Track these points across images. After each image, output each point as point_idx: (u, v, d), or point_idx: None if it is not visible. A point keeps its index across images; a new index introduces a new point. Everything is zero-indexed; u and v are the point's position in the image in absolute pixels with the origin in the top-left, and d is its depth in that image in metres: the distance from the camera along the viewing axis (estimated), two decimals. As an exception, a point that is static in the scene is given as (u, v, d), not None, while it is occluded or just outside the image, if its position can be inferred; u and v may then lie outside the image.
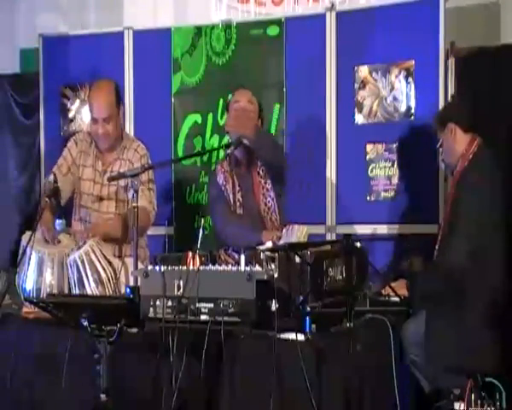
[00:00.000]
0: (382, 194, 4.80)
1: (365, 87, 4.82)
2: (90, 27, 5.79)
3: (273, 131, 4.99)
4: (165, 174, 5.09)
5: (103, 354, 3.00)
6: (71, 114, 5.54)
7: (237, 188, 4.17)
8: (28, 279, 3.63)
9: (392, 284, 3.59)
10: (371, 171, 4.81)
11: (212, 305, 2.92)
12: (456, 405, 3.29)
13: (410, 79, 4.68)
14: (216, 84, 5.15)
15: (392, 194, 4.77)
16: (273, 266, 3.06)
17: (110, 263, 3.63)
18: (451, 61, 4.63)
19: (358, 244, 3.24)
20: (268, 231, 4.00)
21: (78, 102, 5.51)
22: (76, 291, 3.57)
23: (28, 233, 3.61)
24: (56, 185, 3.78)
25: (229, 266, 3.18)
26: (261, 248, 3.23)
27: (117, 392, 3.07)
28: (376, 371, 3.15)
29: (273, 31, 5.02)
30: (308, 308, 2.99)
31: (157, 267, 3.03)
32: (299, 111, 4.96)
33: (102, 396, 3.01)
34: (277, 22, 5.02)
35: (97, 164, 4.13)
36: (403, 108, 4.74)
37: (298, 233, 3.67)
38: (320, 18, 4.90)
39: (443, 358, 3.44)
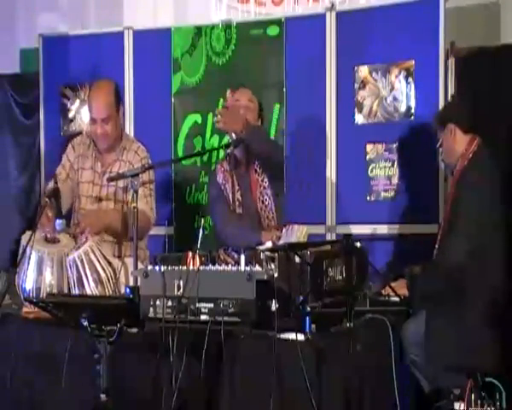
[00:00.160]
0: (382, 194, 4.80)
1: (365, 87, 4.82)
2: (90, 27, 5.79)
3: (273, 131, 5.00)
4: (165, 174, 5.10)
5: (103, 354, 3.00)
6: (71, 114, 5.54)
7: (236, 187, 4.17)
8: (28, 279, 3.63)
9: (392, 284, 3.59)
10: (371, 171, 4.81)
11: (212, 305, 2.92)
12: (456, 405, 3.29)
13: (410, 79, 4.68)
14: (216, 85, 5.14)
15: (392, 194, 4.77)
16: (273, 266, 3.06)
17: (110, 263, 3.63)
18: (451, 61, 4.63)
19: (358, 244, 3.24)
20: (267, 231, 4.00)
21: (78, 102, 5.50)
22: (75, 291, 3.57)
23: (28, 233, 3.60)
24: (56, 186, 3.78)
25: (229, 266, 3.18)
26: (261, 248, 3.23)
27: (117, 392, 3.07)
28: (376, 371, 3.15)
29: (273, 31, 5.02)
30: (308, 308, 2.99)
31: (157, 267, 3.03)
32: (299, 111, 4.96)
33: (102, 396, 3.01)
34: (277, 22, 5.02)
35: (96, 165, 4.13)
36: (403, 108, 4.74)
37: (298, 233, 3.66)
38: (320, 18, 4.90)
39: (443, 358, 3.44)
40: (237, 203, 4.16)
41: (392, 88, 4.75)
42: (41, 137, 5.59)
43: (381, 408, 3.15)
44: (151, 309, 3.00)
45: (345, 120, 4.86)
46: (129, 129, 5.19)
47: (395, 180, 4.76)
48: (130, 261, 3.62)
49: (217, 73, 5.18)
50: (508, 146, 4.54)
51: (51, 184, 3.77)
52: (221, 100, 5.01)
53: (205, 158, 5.22)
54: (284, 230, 3.79)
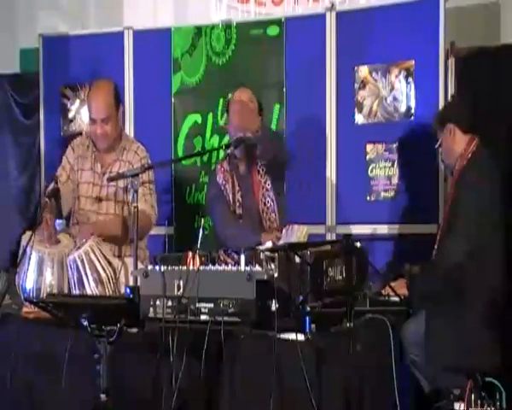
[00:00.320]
0: (382, 194, 4.80)
1: (365, 87, 4.82)
2: (90, 27, 5.79)
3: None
4: (165, 174, 5.10)
5: (103, 354, 3.00)
6: (71, 114, 5.54)
7: (237, 188, 4.17)
8: (28, 279, 3.63)
9: (392, 284, 3.59)
10: (371, 171, 4.81)
11: (212, 305, 2.92)
12: (456, 405, 3.29)
13: (410, 79, 4.68)
14: (216, 84, 5.15)
15: (392, 194, 4.77)
16: (273, 266, 3.06)
17: (110, 263, 3.63)
18: (451, 61, 4.63)
19: (358, 244, 3.24)
20: (267, 232, 4.00)
21: (78, 102, 5.50)
22: (76, 291, 3.58)
23: (28, 233, 3.61)
24: (57, 186, 3.78)
25: (229, 266, 3.18)
26: (261, 248, 3.23)
27: (117, 392, 3.07)
28: (376, 371, 3.15)
29: (273, 31, 5.02)
30: (308, 308, 2.99)
31: (157, 267, 3.03)
32: (299, 111, 4.96)
33: (102, 396, 3.01)
34: (277, 22, 5.02)
35: (96, 166, 4.12)
36: (403, 108, 4.74)
37: (298, 233, 3.67)
38: (320, 18, 4.90)
39: (443, 358, 3.44)
40: (237, 204, 4.16)
41: (392, 88, 4.75)
42: (41, 137, 5.59)
43: (381, 408, 3.15)
44: (151, 309, 3.00)
45: (345, 120, 4.86)
46: (129, 129, 5.20)
47: (395, 180, 4.76)
48: (130, 261, 3.62)
49: (217, 73, 5.18)
50: (508, 146, 4.54)
51: (52, 185, 3.77)
52: (221, 100, 5.02)
53: (205, 158, 5.22)
54: (284, 230, 3.79)
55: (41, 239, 3.69)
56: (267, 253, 3.11)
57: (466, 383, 3.27)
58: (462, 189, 3.68)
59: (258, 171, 4.15)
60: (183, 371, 2.91)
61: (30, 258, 3.62)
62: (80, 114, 5.49)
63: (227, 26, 5.14)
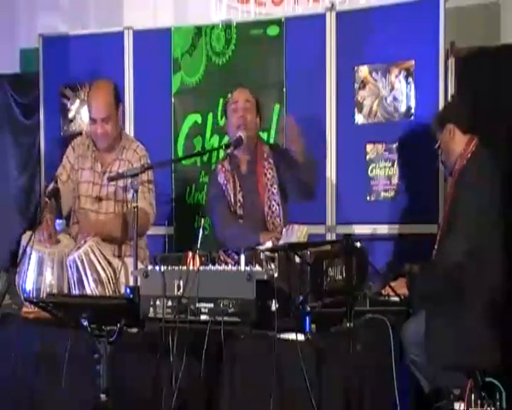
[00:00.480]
0: (382, 194, 4.79)
1: (365, 87, 4.82)
2: (90, 27, 5.78)
3: (273, 131, 5.00)
4: (165, 174, 5.09)
5: (103, 354, 3.00)
6: (71, 114, 5.53)
7: (238, 188, 4.16)
8: (28, 279, 3.63)
9: (392, 284, 3.59)
10: (371, 171, 4.81)
11: (212, 305, 2.92)
12: (456, 405, 3.29)
13: (410, 79, 4.68)
14: (216, 84, 5.14)
15: (392, 194, 4.77)
16: (273, 266, 3.06)
17: (110, 263, 3.63)
18: (451, 61, 4.63)
19: (358, 244, 3.24)
20: (266, 232, 3.99)
21: (78, 102, 5.50)
22: (76, 291, 3.58)
23: (28, 233, 3.61)
24: (57, 186, 3.79)
25: (229, 266, 3.18)
26: (261, 248, 3.23)
27: (117, 392, 3.07)
28: (376, 371, 3.15)
29: (273, 31, 5.02)
30: (308, 308, 2.99)
31: (157, 267, 3.03)
32: (299, 111, 4.94)
33: (102, 396, 3.01)
34: (277, 22, 5.02)
35: (96, 165, 4.13)
36: (403, 108, 4.73)
37: (298, 233, 3.66)
38: (320, 18, 4.90)
39: (443, 357, 3.44)
40: (238, 204, 4.14)
41: (392, 88, 4.75)
42: (41, 137, 5.59)
43: (381, 408, 3.15)
44: (151, 309, 3.00)
45: (345, 120, 4.85)
46: (129, 129, 5.19)
47: (395, 180, 4.76)
48: (130, 261, 3.62)
49: (217, 73, 5.18)
50: (508, 146, 4.54)
51: (52, 185, 3.78)
52: (221, 100, 5.02)
53: (205, 158, 5.22)
54: (284, 230, 3.79)
55: (41, 239, 3.69)
56: (267, 253, 3.11)
57: (466, 382, 3.27)
58: (462, 188, 3.68)
59: (265, 173, 4.15)
60: (183, 371, 2.91)
61: (30, 258, 3.63)
62: (80, 114, 5.49)
63: (227, 26, 5.14)
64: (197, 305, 2.93)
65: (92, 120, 4.08)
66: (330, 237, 4.81)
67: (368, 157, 4.81)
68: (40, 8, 6.09)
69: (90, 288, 3.56)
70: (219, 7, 5.47)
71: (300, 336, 2.91)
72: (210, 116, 5.18)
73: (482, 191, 3.63)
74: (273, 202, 4.12)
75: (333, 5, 4.89)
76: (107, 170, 4.09)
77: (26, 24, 6.10)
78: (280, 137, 4.96)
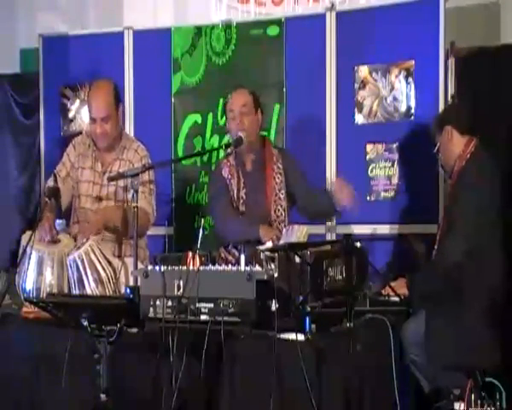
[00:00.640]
0: (382, 194, 4.80)
1: (365, 87, 4.82)
2: (90, 27, 5.79)
3: (273, 131, 4.99)
4: (165, 174, 5.09)
5: (103, 354, 3.00)
6: (71, 114, 5.53)
7: (242, 185, 4.14)
8: (28, 279, 3.63)
9: (392, 284, 3.59)
10: (371, 171, 4.81)
11: (212, 305, 2.92)
12: (456, 405, 3.29)
13: (410, 79, 4.68)
14: (216, 84, 5.14)
15: (392, 194, 4.77)
16: (273, 266, 3.06)
17: (110, 263, 3.63)
18: (451, 61, 4.63)
19: (358, 244, 3.24)
20: (265, 226, 3.98)
21: (78, 102, 5.50)
22: (76, 291, 3.58)
23: (28, 233, 3.61)
24: (56, 186, 3.79)
25: (229, 265, 3.18)
26: (261, 248, 3.23)
27: (117, 392, 3.07)
28: (376, 371, 3.15)
29: (273, 31, 5.02)
30: (308, 308, 2.99)
31: (157, 267, 3.03)
32: (299, 111, 4.95)
33: (102, 396, 3.01)
34: (277, 22, 5.02)
35: (96, 165, 4.13)
36: (403, 108, 4.73)
37: (298, 233, 3.66)
38: (320, 18, 4.90)
39: (443, 357, 3.44)
40: (241, 201, 4.12)
41: (392, 88, 4.75)
42: (41, 137, 5.59)
43: (381, 408, 3.15)
44: (151, 309, 3.00)
45: (345, 120, 4.85)
46: (129, 129, 5.19)
47: (395, 180, 4.76)
48: (130, 261, 3.61)
49: (217, 73, 5.18)
50: (508, 146, 4.54)
51: (51, 183, 3.78)
52: (221, 100, 5.02)
53: (205, 158, 5.21)
54: (284, 230, 3.79)
55: (41, 239, 3.69)
56: (267, 253, 3.11)
57: (466, 382, 3.27)
58: (462, 189, 3.68)
59: (274, 177, 4.13)
60: (183, 371, 2.91)
61: (30, 258, 3.63)
62: (80, 113, 5.49)
63: (227, 26, 5.14)
64: (197, 305, 2.93)
65: (92, 120, 4.08)
66: (330, 237, 4.81)
67: (368, 157, 4.81)
68: (40, 8, 6.09)
69: (91, 288, 3.56)
70: (219, 7, 5.47)
71: (300, 336, 2.91)
72: (210, 116, 5.18)
73: (482, 191, 3.63)
74: (279, 207, 4.11)
75: (333, 5, 4.89)
76: (107, 170, 4.10)
77: (25, 24, 6.10)
78: (280, 137, 4.97)
